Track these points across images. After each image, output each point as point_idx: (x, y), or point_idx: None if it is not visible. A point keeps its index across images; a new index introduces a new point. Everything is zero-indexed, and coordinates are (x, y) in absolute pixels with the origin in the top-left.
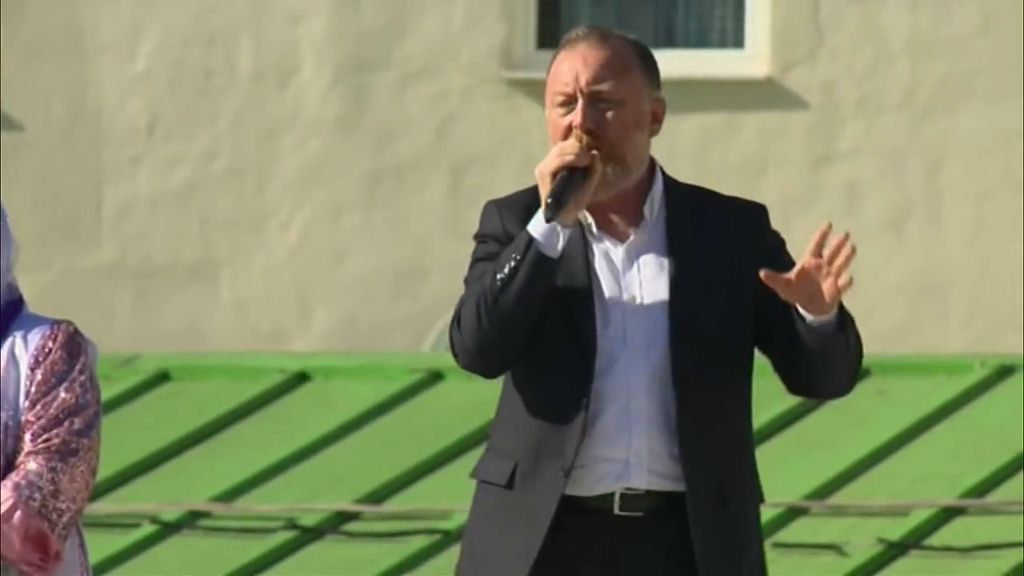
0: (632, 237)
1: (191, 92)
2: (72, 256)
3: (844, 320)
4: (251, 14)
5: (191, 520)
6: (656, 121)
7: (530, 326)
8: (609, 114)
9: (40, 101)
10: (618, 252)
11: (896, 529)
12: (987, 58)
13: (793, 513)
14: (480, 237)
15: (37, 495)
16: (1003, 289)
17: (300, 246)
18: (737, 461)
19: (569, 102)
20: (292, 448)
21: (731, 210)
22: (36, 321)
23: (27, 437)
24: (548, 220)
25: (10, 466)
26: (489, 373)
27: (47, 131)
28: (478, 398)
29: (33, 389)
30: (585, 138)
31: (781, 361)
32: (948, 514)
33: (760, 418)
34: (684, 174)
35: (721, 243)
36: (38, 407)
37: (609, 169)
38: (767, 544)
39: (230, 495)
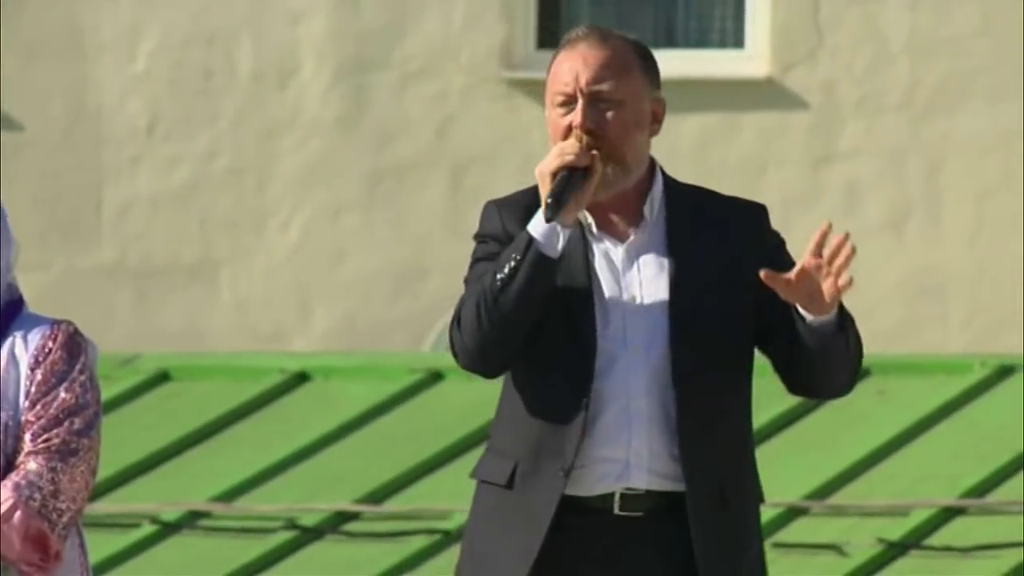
0: (632, 237)
1: (191, 92)
2: (72, 256)
3: (844, 320)
4: (251, 14)
5: (191, 520)
6: (656, 121)
7: (530, 326)
8: (609, 114)
9: (40, 101)
10: (618, 252)
11: (896, 529)
12: (987, 58)
13: (793, 513)
14: (480, 237)
15: (37, 495)
16: (1003, 289)
17: (300, 246)
18: (737, 461)
19: (569, 102)
20: (292, 448)
21: (731, 210)
22: (36, 321)
23: (27, 437)
24: (548, 220)
25: (10, 466)
26: (489, 373)
27: (47, 131)
28: (478, 398)
29: (33, 389)
30: (585, 138)
31: (781, 361)
32: (948, 514)
33: (760, 418)
34: (684, 174)
35: (721, 243)
36: (38, 407)
37: (609, 169)
38: (767, 544)
39: (230, 495)
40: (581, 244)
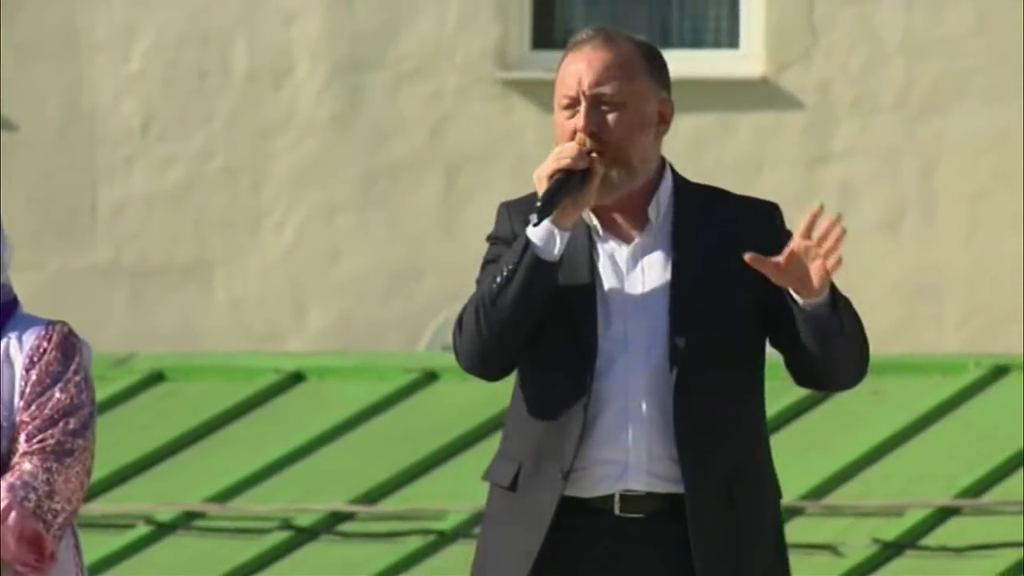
0: (637, 239)
1: (185, 92)
2: (66, 256)
3: (836, 301)
4: (245, 14)
5: (186, 520)
6: (664, 122)
7: (530, 329)
8: (611, 117)
9: (35, 101)
10: (623, 253)
11: (892, 529)
12: (982, 58)
13: (789, 513)
14: (491, 239)
15: (32, 496)
16: (998, 289)
17: (295, 246)
18: (746, 461)
19: (573, 105)
20: (287, 448)
21: (742, 209)
22: (31, 321)
23: (22, 438)
24: (535, 224)
25: (5, 467)
26: (490, 376)
27: (42, 131)
28: (473, 398)
29: (28, 390)
30: (588, 141)
31: (788, 356)
32: (944, 514)
33: None
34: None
35: (729, 243)
36: (33, 407)
37: (613, 172)
38: None
39: (225, 495)
40: (587, 245)
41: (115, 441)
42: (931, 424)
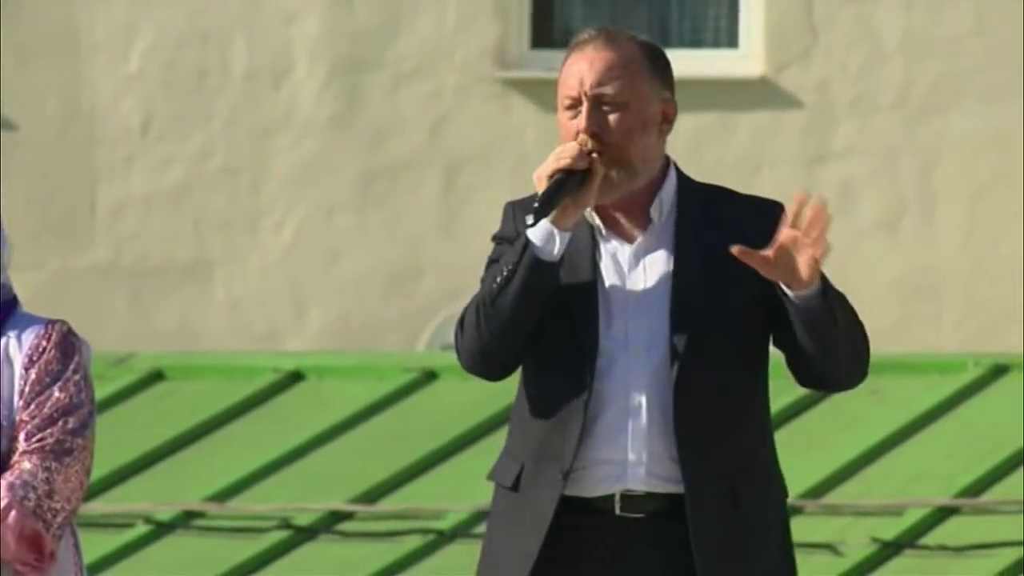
0: (640, 238)
1: (185, 92)
2: (66, 256)
3: (828, 293)
4: (245, 14)
5: (185, 520)
6: (667, 122)
7: (531, 329)
8: (613, 117)
9: (35, 101)
10: (625, 253)
11: (891, 529)
12: (981, 58)
13: (788, 512)
14: (496, 238)
15: (32, 495)
16: (997, 289)
17: (294, 246)
18: (749, 461)
19: (575, 105)
20: (286, 448)
21: (745, 208)
22: (30, 321)
23: (21, 437)
24: (531, 224)
25: (4, 466)
26: (491, 376)
27: (41, 131)
28: (472, 398)
29: (27, 389)
30: (590, 141)
31: (789, 355)
32: (942, 513)
33: None
34: None
35: (732, 242)
36: (32, 407)
37: (613, 172)
38: None
39: (224, 495)
40: (589, 245)
41: (114, 440)
42: (930, 423)
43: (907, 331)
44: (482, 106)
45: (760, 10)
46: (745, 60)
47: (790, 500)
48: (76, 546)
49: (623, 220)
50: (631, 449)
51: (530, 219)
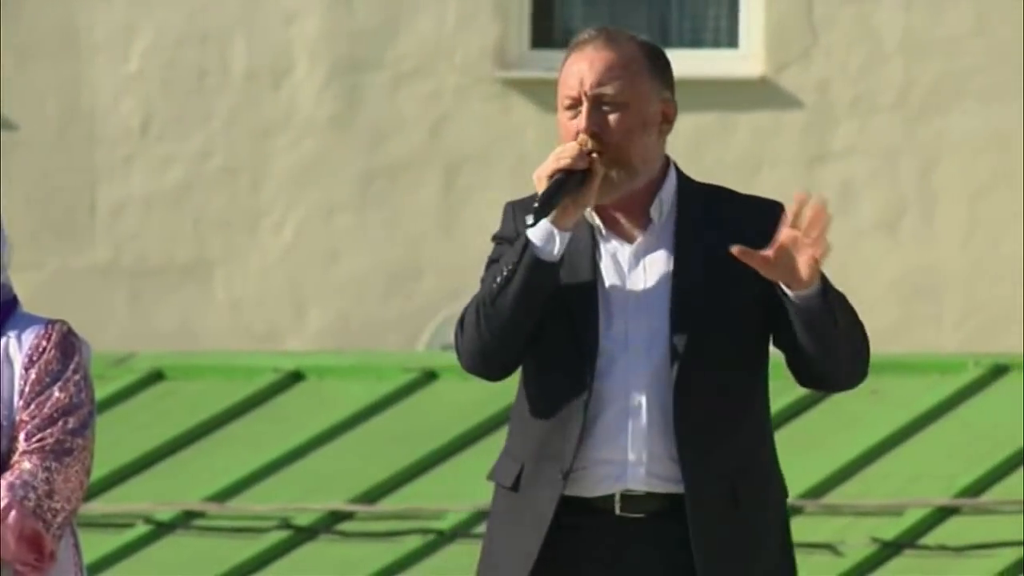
0: (640, 238)
1: (184, 92)
2: (66, 256)
3: (828, 293)
4: (244, 14)
5: (185, 520)
6: (667, 122)
7: (531, 329)
8: (613, 117)
9: (34, 101)
10: (625, 253)
11: (890, 529)
12: (981, 58)
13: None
14: (496, 238)
15: (32, 495)
16: (997, 288)
17: (294, 246)
18: (750, 461)
19: (575, 105)
20: (286, 448)
21: (746, 208)
22: (30, 321)
23: (21, 437)
24: (531, 225)
25: (4, 466)
26: (491, 376)
27: (41, 131)
28: (472, 398)
29: (27, 389)
30: (590, 142)
31: (789, 355)
32: (942, 514)
33: None
34: None
35: (732, 242)
36: (32, 407)
37: (613, 172)
38: None
39: (224, 495)
40: (590, 245)
41: (114, 440)
42: (930, 423)
43: (907, 331)
44: (482, 106)
45: (760, 10)
46: (745, 60)
47: (790, 500)
48: (76, 546)
49: (623, 220)
50: (631, 449)
51: (530, 219)
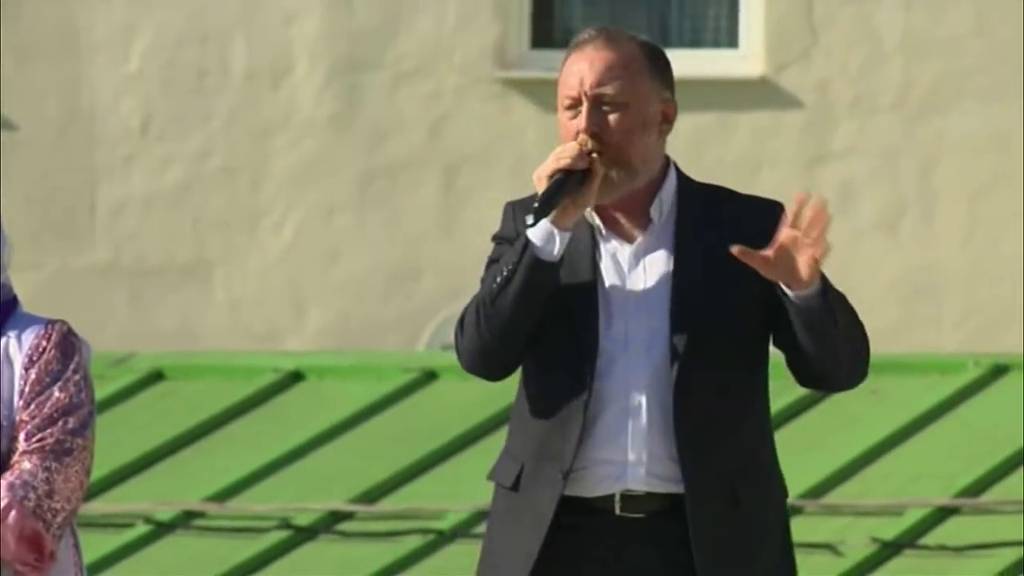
0: (640, 238)
1: (184, 92)
2: (66, 256)
3: (828, 293)
4: (244, 14)
5: (185, 520)
6: (667, 122)
7: (531, 329)
8: (612, 117)
9: (34, 101)
10: (625, 253)
11: (890, 529)
12: (981, 58)
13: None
14: (496, 238)
15: (32, 495)
16: (997, 288)
17: (293, 246)
18: (750, 461)
19: (575, 105)
20: (286, 448)
21: (746, 208)
22: (30, 321)
23: (21, 437)
24: (530, 225)
25: (4, 466)
26: (491, 376)
27: (41, 131)
28: (472, 398)
29: (27, 389)
30: (589, 142)
31: (789, 355)
32: (942, 514)
33: None
34: None
35: (732, 242)
36: (32, 407)
37: (613, 172)
38: None
39: (224, 495)
40: (590, 245)
41: (114, 440)
42: (930, 423)
43: (907, 331)
44: (482, 106)
45: (760, 10)
46: (745, 60)
47: (790, 500)
48: (76, 546)
49: (623, 220)
50: (631, 449)
51: (530, 219)
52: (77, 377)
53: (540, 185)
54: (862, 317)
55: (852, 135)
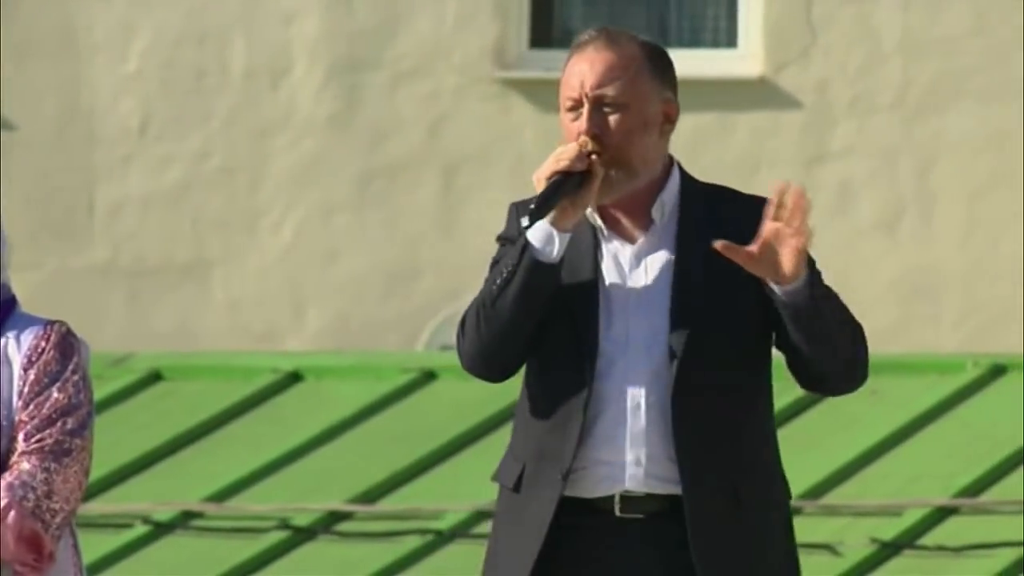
0: (641, 239)
1: (183, 92)
2: (64, 256)
3: (815, 287)
4: (243, 13)
5: (184, 520)
6: (668, 122)
7: (531, 330)
8: (613, 118)
9: (33, 101)
10: (626, 254)
11: (889, 529)
12: (979, 58)
13: None
14: (500, 239)
15: (31, 495)
16: (996, 288)
17: (292, 246)
18: (752, 461)
19: (577, 107)
20: (285, 448)
21: (748, 208)
22: (29, 321)
23: (20, 437)
24: (526, 227)
25: (3, 466)
26: (492, 377)
27: (40, 131)
28: (471, 398)
29: (26, 389)
30: (590, 143)
31: (787, 356)
32: (941, 514)
33: None
34: None
35: (734, 242)
36: (31, 407)
37: (614, 173)
38: None
39: (223, 495)
40: (591, 245)
41: (113, 441)
42: (929, 424)
43: (906, 331)
44: (481, 106)
45: (759, 10)
46: (744, 60)
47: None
48: (75, 546)
49: (625, 221)
50: (630, 450)
51: (525, 221)
52: (76, 378)
53: (540, 187)
54: (861, 317)
55: (851, 135)
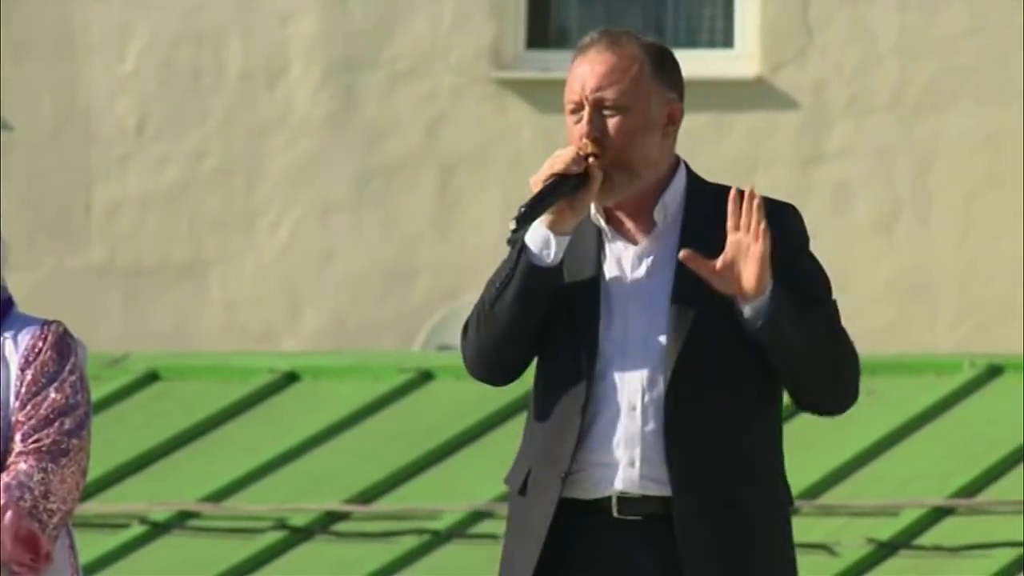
0: (644, 241)
1: (180, 92)
2: (61, 256)
3: (778, 300)
4: (240, 14)
5: (181, 520)
6: (672, 123)
7: (531, 333)
8: (613, 120)
9: (30, 101)
10: (629, 255)
11: (886, 529)
12: (976, 58)
13: None
14: (510, 242)
15: (28, 496)
16: (992, 288)
17: (289, 246)
18: (749, 466)
19: (578, 109)
20: (281, 448)
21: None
22: (26, 321)
23: (17, 438)
24: (514, 230)
25: (1, 467)
26: (495, 380)
27: (36, 131)
28: (468, 398)
29: (23, 389)
30: (590, 146)
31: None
32: (938, 514)
33: None
34: None
35: None
36: (28, 407)
37: (615, 175)
38: None
39: (220, 495)
40: (595, 247)
41: (110, 441)
42: (925, 424)
43: (903, 331)
44: (477, 106)
45: (755, 10)
46: (740, 60)
47: None
48: (72, 547)
49: (628, 222)
50: (624, 452)
51: (513, 224)
52: (73, 378)
53: (536, 190)
54: (857, 317)
55: (848, 135)
